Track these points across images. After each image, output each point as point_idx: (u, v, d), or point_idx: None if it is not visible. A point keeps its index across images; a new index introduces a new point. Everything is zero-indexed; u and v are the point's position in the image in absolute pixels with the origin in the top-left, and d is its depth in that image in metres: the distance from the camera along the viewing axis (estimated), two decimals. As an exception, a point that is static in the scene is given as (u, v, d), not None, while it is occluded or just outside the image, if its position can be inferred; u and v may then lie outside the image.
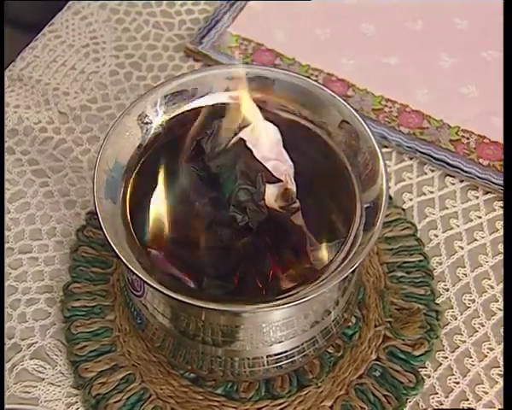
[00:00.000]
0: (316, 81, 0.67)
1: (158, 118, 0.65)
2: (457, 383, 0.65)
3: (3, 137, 0.77)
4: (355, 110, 0.64)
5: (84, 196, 0.75)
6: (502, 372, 0.65)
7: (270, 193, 0.62)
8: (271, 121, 0.64)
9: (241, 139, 0.63)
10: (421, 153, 0.76)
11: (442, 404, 0.64)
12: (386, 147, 0.77)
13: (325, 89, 0.65)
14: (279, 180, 0.63)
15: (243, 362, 0.62)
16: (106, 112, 0.80)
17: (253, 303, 0.57)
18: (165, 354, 0.64)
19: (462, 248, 0.72)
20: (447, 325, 0.68)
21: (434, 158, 0.76)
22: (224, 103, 0.65)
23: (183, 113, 0.66)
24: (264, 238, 0.63)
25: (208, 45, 0.84)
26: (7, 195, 0.74)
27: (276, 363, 0.62)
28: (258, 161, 0.62)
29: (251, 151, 0.63)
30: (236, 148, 0.63)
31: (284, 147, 0.64)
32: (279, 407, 0.64)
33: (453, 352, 0.66)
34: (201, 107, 0.66)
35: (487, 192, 0.75)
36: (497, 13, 0.81)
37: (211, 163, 0.62)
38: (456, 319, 0.68)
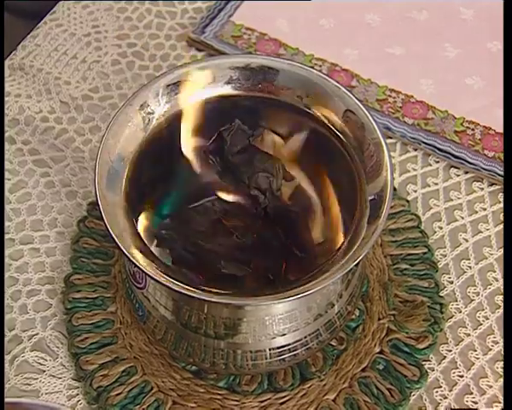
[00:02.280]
0: (319, 71, 0.66)
1: (160, 108, 0.64)
2: (461, 376, 0.65)
3: (3, 127, 0.77)
4: (359, 101, 0.63)
5: (86, 186, 0.74)
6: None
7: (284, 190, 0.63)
8: (275, 113, 0.64)
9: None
10: (426, 144, 0.76)
11: (446, 397, 0.64)
12: (390, 138, 0.76)
13: (330, 79, 0.65)
14: (292, 178, 0.63)
15: (246, 355, 0.61)
16: (108, 101, 0.80)
17: (255, 296, 0.57)
18: (167, 347, 0.64)
19: (467, 241, 0.71)
20: (451, 317, 0.67)
21: (439, 149, 0.75)
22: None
23: (185, 103, 0.65)
24: (277, 231, 0.63)
25: (211, 35, 0.83)
26: (8, 185, 0.74)
27: (279, 356, 0.62)
28: (274, 157, 0.63)
29: (266, 152, 0.64)
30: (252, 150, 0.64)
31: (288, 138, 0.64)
32: (282, 400, 0.63)
33: (457, 345, 0.66)
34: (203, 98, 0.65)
35: (492, 184, 0.74)
36: (503, 3, 0.80)
37: (230, 157, 0.63)
38: (460, 311, 0.67)
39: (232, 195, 0.65)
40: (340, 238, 0.60)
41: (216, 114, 0.65)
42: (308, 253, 0.62)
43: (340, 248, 0.59)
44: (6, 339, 0.66)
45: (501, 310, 0.67)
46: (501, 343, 0.66)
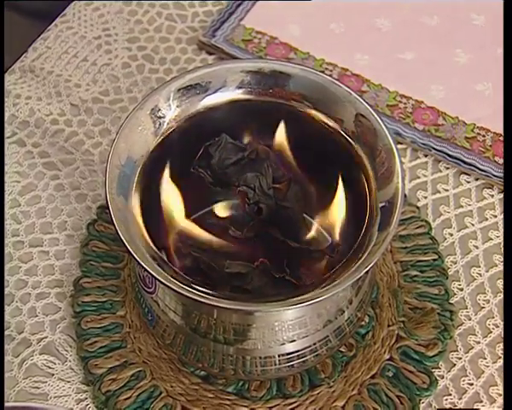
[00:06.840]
0: (330, 76, 0.66)
1: (171, 112, 0.64)
2: (471, 384, 0.64)
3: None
4: (371, 106, 0.63)
5: (96, 189, 0.74)
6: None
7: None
8: (286, 116, 0.64)
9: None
10: (437, 150, 0.76)
11: (455, 405, 0.63)
12: (400, 143, 0.76)
13: (341, 84, 0.65)
14: (285, 178, 0.64)
15: (255, 361, 0.61)
16: (118, 104, 0.80)
17: (265, 302, 0.57)
18: (176, 352, 0.63)
19: (477, 248, 0.71)
20: (461, 325, 0.67)
21: (449, 155, 0.75)
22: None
23: (196, 108, 0.65)
24: (275, 232, 0.63)
25: (221, 38, 0.83)
26: (17, 187, 0.74)
27: (288, 362, 0.61)
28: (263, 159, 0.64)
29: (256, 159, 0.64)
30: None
31: (300, 143, 0.64)
32: (290, 407, 0.63)
33: (467, 353, 0.66)
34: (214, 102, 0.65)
35: (503, 191, 0.74)
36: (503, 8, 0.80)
37: (220, 171, 0.64)
38: (470, 319, 0.67)
39: (225, 202, 0.66)
40: (351, 245, 0.60)
41: (227, 118, 0.65)
42: (306, 245, 0.63)
43: (350, 254, 0.59)
44: (15, 342, 0.66)
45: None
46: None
